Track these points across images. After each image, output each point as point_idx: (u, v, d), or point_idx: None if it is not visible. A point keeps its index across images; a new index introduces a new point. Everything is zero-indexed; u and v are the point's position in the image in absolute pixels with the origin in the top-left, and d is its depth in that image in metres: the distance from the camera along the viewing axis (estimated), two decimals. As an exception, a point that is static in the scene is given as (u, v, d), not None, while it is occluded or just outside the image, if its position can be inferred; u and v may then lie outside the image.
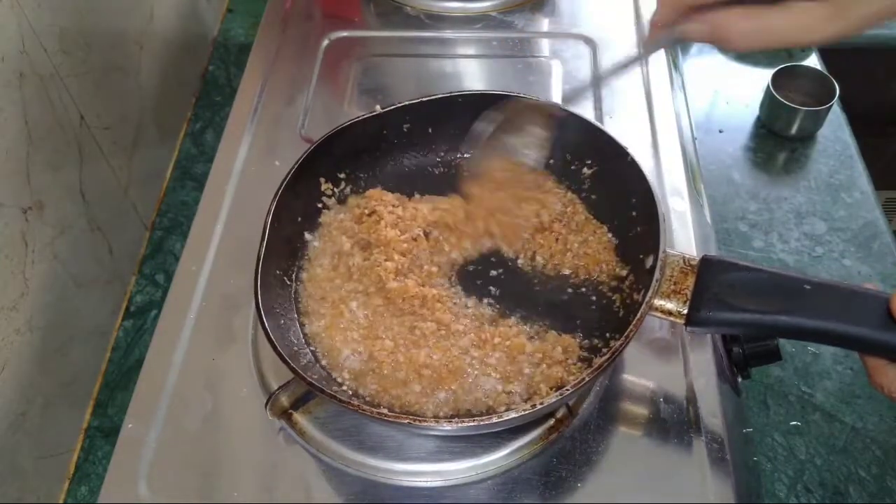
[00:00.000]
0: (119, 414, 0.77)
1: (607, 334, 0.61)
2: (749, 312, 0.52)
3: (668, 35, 0.54)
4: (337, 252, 0.67)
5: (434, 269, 0.66)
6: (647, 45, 0.69)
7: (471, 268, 0.67)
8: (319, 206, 0.70)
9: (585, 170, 0.70)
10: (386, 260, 0.64)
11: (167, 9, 1.00)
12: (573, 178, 0.70)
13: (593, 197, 0.70)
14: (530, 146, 0.67)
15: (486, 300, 0.64)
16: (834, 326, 0.50)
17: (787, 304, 0.51)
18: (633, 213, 0.64)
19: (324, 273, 0.66)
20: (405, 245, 0.66)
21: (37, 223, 0.70)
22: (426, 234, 0.68)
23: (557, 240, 0.67)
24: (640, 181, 0.62)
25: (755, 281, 0.53)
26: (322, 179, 0.70)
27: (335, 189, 0.71)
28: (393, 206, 0.69)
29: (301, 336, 0.62)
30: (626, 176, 0.63)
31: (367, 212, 0.68)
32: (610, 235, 0.67)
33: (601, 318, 0.62)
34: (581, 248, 0.66)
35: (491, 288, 0.65)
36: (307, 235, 0.68)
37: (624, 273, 0.64)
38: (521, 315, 0.63)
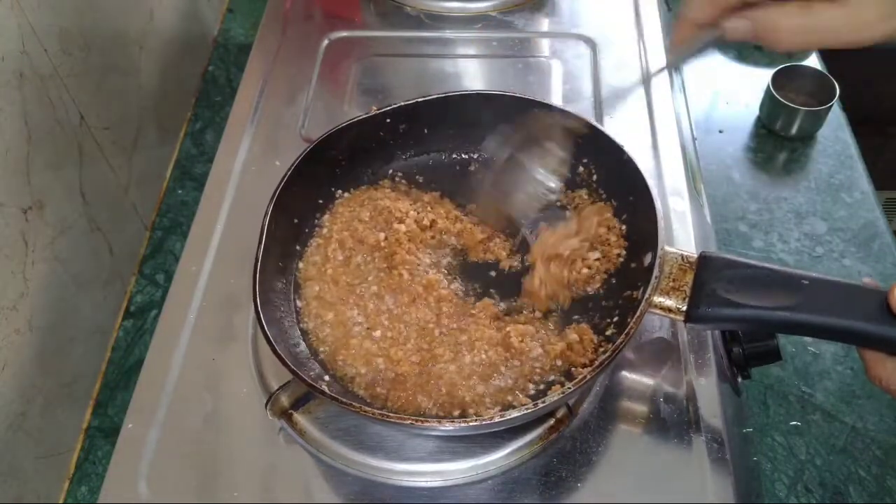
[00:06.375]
0: (119, 414, 0.77)
1: (608, 332, 0.61)
2: (748, 308, 0.52)
3: (702, 36, 0.47)
4: (337, 250, 0.67)
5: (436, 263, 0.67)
6: (675, 50, 0.53)
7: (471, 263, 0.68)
8: (318, 205, 0.70)
9: (582, 168, 0.70)
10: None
11: (167, 9, 1.00)
12: (571, 176, 0.70)
13: (592, 196, 0.70)
14: (551, 165, 0.64)
15: (487, 297, 0.65)
16: (833, 321, 0.50)
17: (785, 299, 0.51)
18: (632, 211, 0.64)
19: (324, 271, 0.66)
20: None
21: (37, 223, 0.70)
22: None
23: None
24: (637, 179, 0.62)
25: (754, 277, 0.53)
26: (320, 181, 0.69)
27: (332, 189, 0.71)
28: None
29: (301, 335, 0.62)
30: (623, 174, 0.63)
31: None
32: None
33: (602, 316, 0.62)
34: None
35: (491, 287, 0.65)
36: (306, 234, 0.68)
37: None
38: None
